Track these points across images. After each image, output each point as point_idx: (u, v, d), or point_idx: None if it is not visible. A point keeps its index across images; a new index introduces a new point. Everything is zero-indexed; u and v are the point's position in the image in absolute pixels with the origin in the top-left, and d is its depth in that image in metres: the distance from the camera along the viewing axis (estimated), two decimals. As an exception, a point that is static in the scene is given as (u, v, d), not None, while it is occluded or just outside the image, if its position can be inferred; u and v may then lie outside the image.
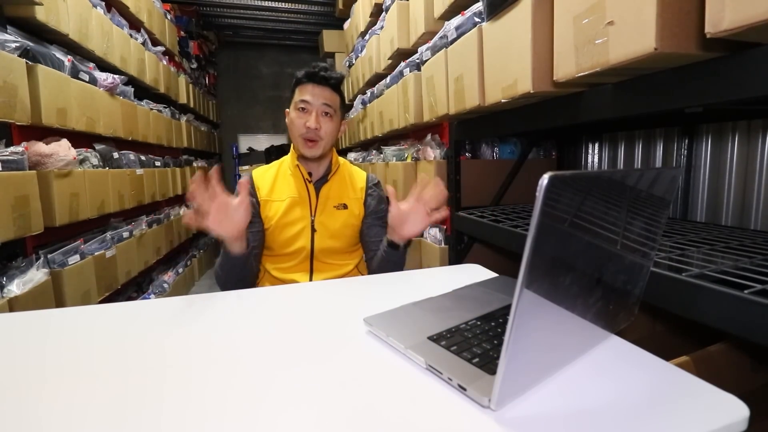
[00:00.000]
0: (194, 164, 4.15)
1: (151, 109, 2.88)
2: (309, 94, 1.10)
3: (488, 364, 0.48)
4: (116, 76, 2.20)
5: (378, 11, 2.83)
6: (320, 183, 1.17)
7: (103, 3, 2.24)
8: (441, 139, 2.07)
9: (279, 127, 6.20)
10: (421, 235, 2.23)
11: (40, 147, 1.59)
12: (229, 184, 6.05)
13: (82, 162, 1.90)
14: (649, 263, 0.56)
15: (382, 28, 2.65)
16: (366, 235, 1.20)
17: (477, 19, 1.36)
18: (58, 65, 1.69)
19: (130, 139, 2.47)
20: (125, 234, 2.27)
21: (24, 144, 1.52)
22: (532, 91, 1.05)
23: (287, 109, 1.18)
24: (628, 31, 0.75)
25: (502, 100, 1.20)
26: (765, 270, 0.76)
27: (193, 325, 0.66)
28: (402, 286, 0.85)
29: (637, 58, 0.74)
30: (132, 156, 2.49)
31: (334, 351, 0.56)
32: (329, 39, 4.47)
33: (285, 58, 6.22)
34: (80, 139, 1.97)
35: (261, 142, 6.17)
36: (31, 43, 1.54)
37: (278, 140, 6.02)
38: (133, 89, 2.50)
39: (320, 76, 1.10)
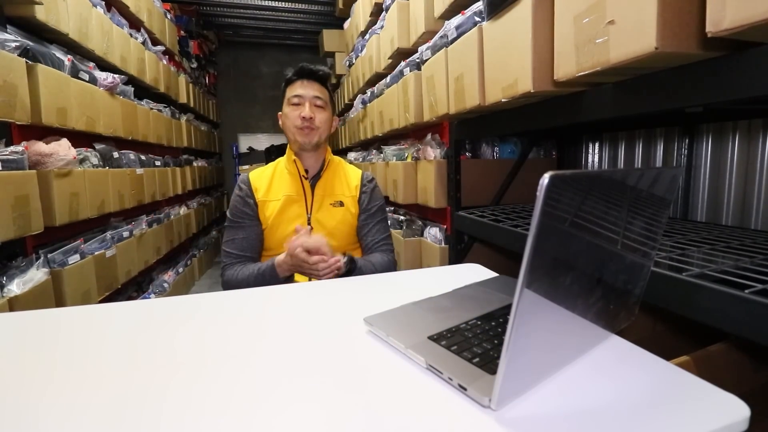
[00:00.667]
0: (194, 164, 4.15)
1: (151, 108, 2.88)
2: (300, 88, 1.15)
3: (488, 363, 0.48)
4: (116, 76, 2.20)
5: (378, 11, 2.83)
6: (315, 179, 1.19)
7: (103, 2, 2.23)
8: (441, 138, 2.07)
9: (279, 127, 6.18)
10: (421, 234, 2.23)
11: (40, 146, 1.59)
12: (230, 183, 6.06)
13: (82, 161, 1.90)
14: (649, 263, 0.56)
15: (382, 27, 2.65)
16: (360, 232, 1.21)
17: (477, 19, 1.36)
18: (58, 65, 1.69)
19: (130, 138, 2.47)
20: (125, 234, 2.27)
21: (24, 143, 1.52)
22: (532, 91, 1.05)
23: (280, 112, 1.21)
24: (628, 31, 0.75)
25: (503, 100, 1.20)
26: (766, 270, 0.76)
27: (193, 325, 0.66)
28: (402, 286, 0.85)
29: (638, 57, 0.73)
30: (132, 155, 2.49)
31: (334, 351, 0.56)
32: (329, 38, 4.46)
33: (285, 58, 6.22)
34: (80, 138, 1.97)
35: (261, 141, 6.18)
36: (31, 43, 1.54)
37: (278, 140, 6.02)
38: (133, 89, 2.50)
39: (307, 70, 1.16)
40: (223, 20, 5.18)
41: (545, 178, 0.34)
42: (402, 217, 2.48)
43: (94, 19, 2.07)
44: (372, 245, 1.20)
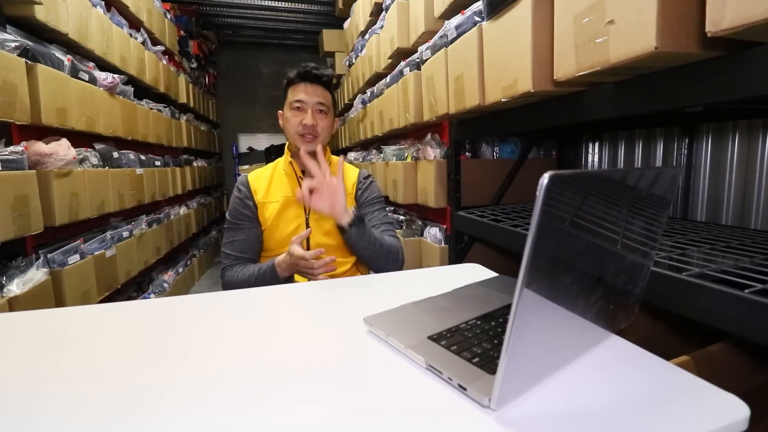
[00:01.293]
0: (194, 164, 4.15)
1: (151, 108, 2.87)
2: (303, 92, 1.13)
3: (488, 363, 0.48)
4: (116, 76, 2.20)
5: (378, 10, 2.83)
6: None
7: (103, 2, 2.23)
8: (441, 138, 2.07)
9: (279, 127, 6.16)
10: (421, 234, 2.23)
11: (40, 146, 1.59)
12: (230, 183, 6.06)
13: (81, 161, 1.90)
14: (649, 263, 0.56)
15: (382, 27, 2.65)
16: None
17: (477, 19, 1.36)
18: (57, 65, 1.69)
19: (129, 138, 2.47)
20: (125, 234, 2.27)
21: (24, 143, 1.52)
22: (532, 91, 1.05)
23: (280, 111, 1.20)
24: (628, 30, 0.75)
25: (503, 100, 1.20)
26: (765, 269, 0.76)
27: (193, 325, 0.66)
28: (402, 286, 0.85)
29: (638, 57, 0.73)
30: (132, 155, 2.49)
31: (334, 351, 0.56)
32: (329, 38, 4.46)
33: (285, 58, 6.22)
34: (80, 138, 1.97)
35: (261, 141, 6.18)
36: (30, 43, 1.54)
37: (278, 140, 6.02)
38: (132, 89, 2.49)
39: (312, 74, 1.13)
40: (223, 20, 5.17)
41: (545, 178, 0.34)
42: (402, 217, 2.48)
43: (93, 19, 2.07)
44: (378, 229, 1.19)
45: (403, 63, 2.24)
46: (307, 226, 1.15)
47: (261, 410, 0.43)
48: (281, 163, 1.22)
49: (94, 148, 2.10)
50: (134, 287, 2.61)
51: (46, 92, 1.57)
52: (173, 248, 3.19)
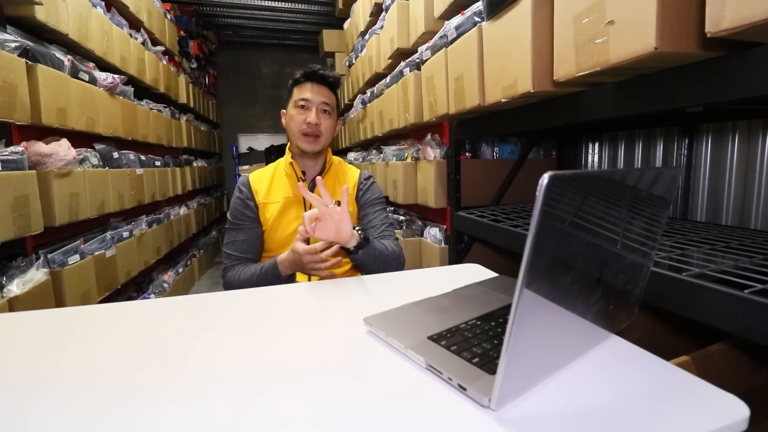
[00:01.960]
0: (194, 164, 4.15)
1: (151, 108, 2.88)
2: (308, 92, 1.13)
3: (488, 363, 0.48)
4: (116, 76, 2.20)
5: (378, 11, 2.83)
6: (314, 181, 1.18)
7: (103, 2, 2.23)
8: (441, 138, 2.07)
9: (279, 127, 6.18)
10: (421, 234, 2.23)
11: (40, 147, 1.59)
12: (230, 184, 6.06)
13: (82, 162, 1.90)
14: (649, 263, 0.56)
15: (382, 27, 2.65)
16: (366, 226, 1.20)
17: (477, 19, 1.36)
18: (57, 65, 1.69)
19: (130, 138, 2.47)
20: (125, 234, 2.27)
21: (24, 144, 1.52)
22: (532, 91, 1.05)
23: (283, 110, 1.20)
24: (628, 31, 0.75)
25: (502, 100, 1.20)
26: (765, 270, 0.76)
27: (193, 325, 0.66)
28: (402, 286, 0.85)
29: (638, 57, 0.74)
30: (132, 156, 2.49)
31: (334, 351, 0.56)
32: (329, 39, 4.46)
33: (285, 58, 6.22)
34: (80, 138, 1.97)
35: (261, 141, 6.17)
36: (30, 43, 1.54)
37: (278, 140, 6.02)
38: (132, 89, 2.49)
39: (319, 75, 1.14)
40: (223, 20, 5.17)
41: (545, 178, 0.34)
42: (402, 217, 2.48)
43: (93, 20, 2.07)
44: (380, 231, 1.19)
45: (403, 63, 2.24)
46: None
47: (261, 410, 0.43)
48: (282, 163, 1.22)
49: (94, 148, 2.10)
50: (134, 287, 2.61)
51: (46, 92, 1.57)
52: (173, 248, 3.19)
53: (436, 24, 1.85)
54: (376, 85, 2.87)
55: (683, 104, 0.77)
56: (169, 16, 3.62)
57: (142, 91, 2.89)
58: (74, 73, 1.84)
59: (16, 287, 1.35)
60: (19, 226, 1.37)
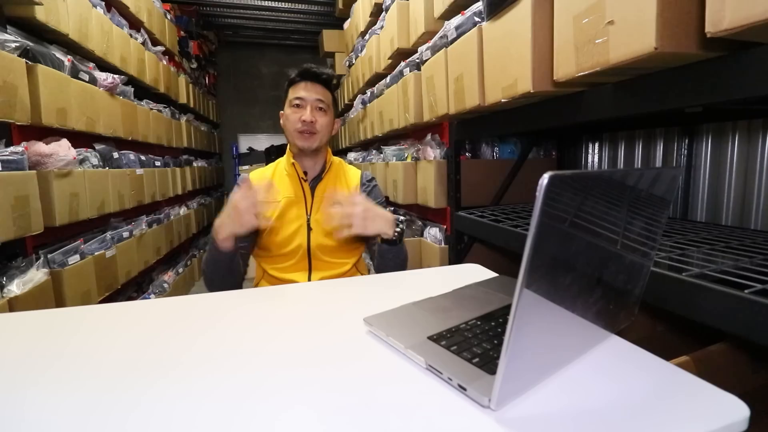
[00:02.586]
0: (194, 164, 4.15)
1: (151, 109, 2.88)
2: (302, 90, 1.14)
3: (488, 363, 0.48)
4: (116, 76, 2.20)
5: (378, 11, 2.83)
6: (315, 182, 1.18)
7: (103, 3, 2.23)
8: (441, 138, 2.07)
9: (279, 127, 6.13)
10: (421, 235, 2.23)
11: (40, 147, 1.59)
12: (229, 184, 6.06)
13: (82, 162, 1.90)
14: (649, 263, 0.56)
15: (382, 27, 2.65)
16: None
17: (477, 19, 1.36)
18: (58, 65, 1.69)
19: (130, 139, 2.47)
20: (125, 234, 2.27)
21: (24, 144, 1.52)
22: (532, 91, 1.05)
23: (282, 111, 1.20)
24: (628, 31, 0.75)
25: (502, 100, 1.20)
26: (765, 270, 0.76)
27: (193, 325, 0.66)
28: (402, 286, 0.85)
29: (638, 57, 0.74)
30: (132, 156, 2.49)
31: (334, 351, 0.56)
32: (329, 39, 4.46)
33: (285, 58, 6.22)
34: (80, 139, 1.97)
35: (261, 142, 6.17)
36: (31, 43, 1.54)
37: (278, 140, 6.02)
38: (133, 89, 2.49)
39: (312, 72, 1.15)
40: (223, 20, 5.17)
41: (544, 178, 0.34)
42: (402, 217, 2.48)
43: (94, 20, 2.07)
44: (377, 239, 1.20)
45: (403, 63, 2.24)
46: (309, 227, 1.15)
47: (261, 410, 0.43)
48: (282, 163, 1.22)
49: (94, 148, 2.10)
50: (134, 287, 2.61)
51: (46, 92, 1.57)
52: (173, 248, 3.19)
53: (436, 24, 1.85)
54: (376, 85, 2.87)
55: (683, 104, 0.77)
56: (169, 17, 3.63)
57: (142, 91, 2.89)
58: (74, 74, 1.84)
59: (16, 287, 1.35)
60: (19, 226, 1.37)
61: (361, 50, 3.31)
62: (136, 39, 2.68)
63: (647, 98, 0.84)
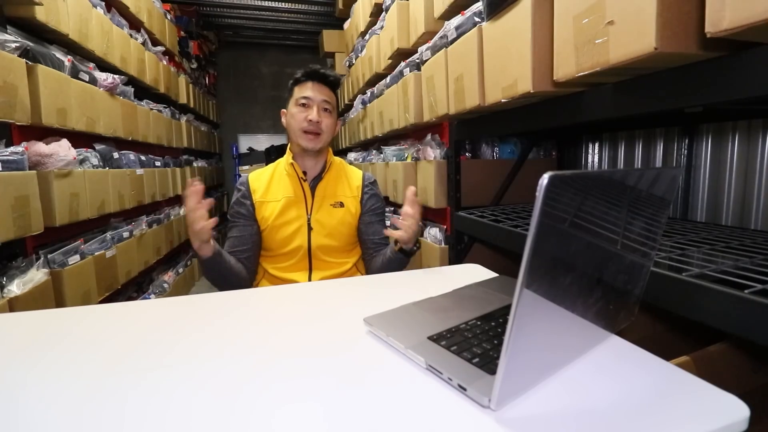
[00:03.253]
0: (194, 164, 4.15)
1: (151, 109, 2.88)
2: (310, 90, 1.14)
3: (488, 364, 0.48)
4: (116, 76, 2.20)
5: (378, 11, 2.83)
6: (315, 181, 1.18)
7: (103, 3, 2.23)
8: (441, 139, 2.07)
9: (279, 127, 6.20)
10: (421, 235, 2.23)
11: (40, 147, 1.59)
12: (230, 184, 6.06)
13: (82, 162, 1.90)
14: (649, 263, 0.56)
15: (382, 27, 2.65)
16: (364, 233, 1.21)
17: (477, 19, 1.36)
18: (58, 65, 1.69)
19: (130, 139, 2.47)
20: (125, 234, 2.27)
21: (24, 144, 1.52)
22: (532, 91, 1.05)
23: (284, 110, 1.20)
24: (628, 31, 0.75)
25: (502, 100, 1.20)
26: (765, 270, 0.76)
27: (193, 325, 0.66)
28: (402, 286, 0.85)
29: (638, 57, 0.73)
30: (132, 156, 2.49)
31: (334, 351, 0.56)
32: (329, 39, 4.46)
33: (285, 58, 6.22)
34: (80, 139, 1.97)
35: (261, 142, 6.17)
36: (31, 43, 1.54)
37: (278, 140, 6.02)
38: (133, 89, 2.50)
39: (320, 74, 1.16)
40: (223, 20, 5.18)
41: (544, 178, 0.34)
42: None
43: (94, 20, 2.07)
44: (379, 242, 1.20)
45: (403, 63, 2.24)
46: (310, 227, 1.15)
47: (261, 410, 0.43)
48: (282, 163, 1.22)
49: (94, 148, 2.10)
50: (134, 288, 2.61)
51: (46, 93, 1.57)
52: (173, 249, 3.19)
53: (436, 24, 1.85)
54: (376, 86, 2.87)
55: (683, 104, 0.77)
56: (169, 17, 3.63)
57: (143, 91, 2.89)
58: (74, 74, 1.84)
59: (16, 287, 1.35)
60: (20, 226, 1.37)
61: (361, 50, 3.31)
62: (136, 39, 2.68)
63: (647, 98, 0.84)
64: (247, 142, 6.18)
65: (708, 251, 0.95)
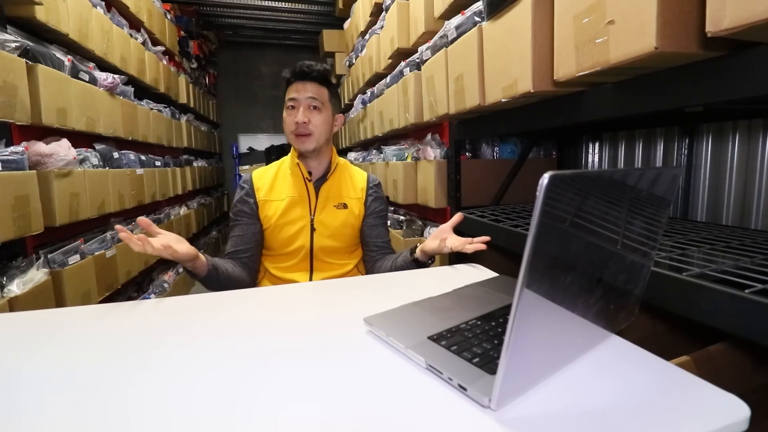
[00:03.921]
0: (194, 164, 4.15)
1: (151, 108, 2.88)
2: (294, 91, 1.11)
3: (488, 363, 0.48)
4: (116, 76, 2.20)
5: (378, 11, 2.83)
6: (320, 182, 1.17)
7: (103, 3, 2.23)
8: (441, 138, 2.07)
9: (279, 127, 6.18)
10: (421, 234, 2.23)
11: (40, 147, 1.59)
12: (230, 184, 6.06)
13: (82, 162, 1.90)
14: (649, 263, 0.56)
15: (382, 27, 2.65)
16: (368, 236, 1.20)
17: (477, 19, 1.36)
18: (58, 65, 1.69)
19: (130, 139, 2.47)
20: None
21: (24, 144, 1.52)
22: (532, 91, 1.05)
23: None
24: (628, 30, 0.75)
25: (503, 100, 1.20)
26: (766, 270, 0.76)
27: (193, 325, 0.66)
28: (402, 286, 0.85)
29: (638, 57, 0.73)
30: (132, 156, 2.49)
31: (334, 351, 0.56)
32: (329, 39, 4.46)
33: (285, 58, 6.21)
34: (80, 138, 1.97)
35: (261, 141, 6.18)
36: (31, 43, 1.54)
37: (278, 140, 6.02)
38: (133, 89, 2.50)
39: (301, 71, 1.11)
40: (223, 20, 5.17)
41: (545, 178, 0.34)
42: (402, 217, 2.48)
43: (94, 20, 2.07)
44: (382, 245, 1.20)
45: (403, 63, 2.24)
46: (312, 228, 1.14)
47: (261, 410, 0.43)
48: (286, 162, 1.21)
49: (94, 148, 2.10)
50: (134, 287, 2.61)
51: (46, 92, 1.57)
52: (173, 248, 3.18)
53: (436, 24, 1.85)
54: (376, 85, 2.87)
55: (683, 104, 0.76)
56: (169, 16, 3.63)
57: (143, 91, 2.89)
58: (74, 73, 1.84)
59: (16, 287, 1.35)
60: (20, 226, 1.37)
61: (361, 50, 3.31)
62: (136, 39, 2.68)
63: (647, 98, 0.83)
64: (247, 142, 6.18)
65: (708, 251, 0.95)
